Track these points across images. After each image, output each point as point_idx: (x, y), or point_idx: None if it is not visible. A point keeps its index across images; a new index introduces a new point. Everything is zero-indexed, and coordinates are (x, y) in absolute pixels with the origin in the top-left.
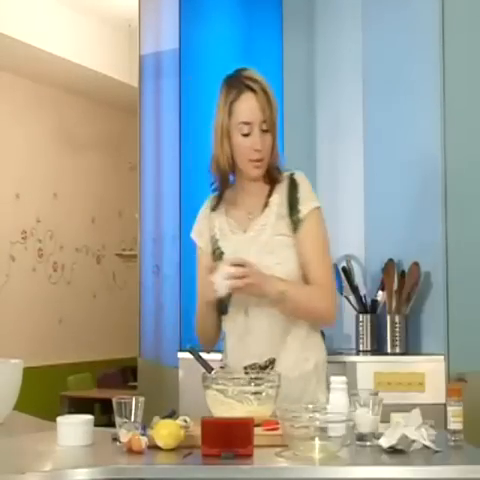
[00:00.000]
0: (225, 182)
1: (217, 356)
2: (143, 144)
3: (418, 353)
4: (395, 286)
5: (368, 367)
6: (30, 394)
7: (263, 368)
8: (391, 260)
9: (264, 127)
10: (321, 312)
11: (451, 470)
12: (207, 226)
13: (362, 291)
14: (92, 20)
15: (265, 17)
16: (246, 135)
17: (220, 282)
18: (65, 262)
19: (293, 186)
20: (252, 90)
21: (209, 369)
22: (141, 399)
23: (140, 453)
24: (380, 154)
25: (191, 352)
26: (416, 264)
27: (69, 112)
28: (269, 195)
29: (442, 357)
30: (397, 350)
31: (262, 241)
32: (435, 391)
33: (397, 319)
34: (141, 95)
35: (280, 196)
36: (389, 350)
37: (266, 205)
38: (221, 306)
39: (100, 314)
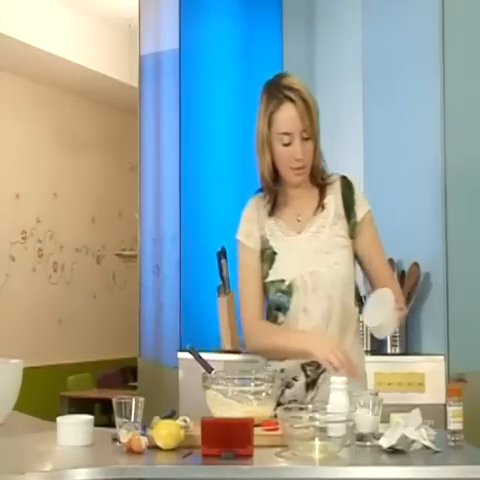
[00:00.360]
0: (271, 189)
1: (217, 356)
2: (143, 144)
3: (418, 353)
4: None
5: (368, 367)
6: (30, 394)
7: (319, 366)
8: (391, 260)
9: (305, 135)
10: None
11: (451, 470)
12: (256, 226)
13: (362, 291)
14: (92, 20)
15: (265, 17)
16: (287, 145)
17: (388, 322)
18: (65, 262)
19: (348, 187)
20: (291, 100)
21: (209, 369)
22: (141, 399)
23: (140, 453)
24: (380, 154)
25: (191, 352)
26: (416, 264)
27: (69, 112)
28: (322, 197)
29: (442, 357)
30: (397, 350)
31: (320, 241)
32: (435, 391)
33: None
34: (141, 95)
35: (335, 197)
36: (389, 350)
37: (321, 206)
38: (279, 307)
39: (100, 314)
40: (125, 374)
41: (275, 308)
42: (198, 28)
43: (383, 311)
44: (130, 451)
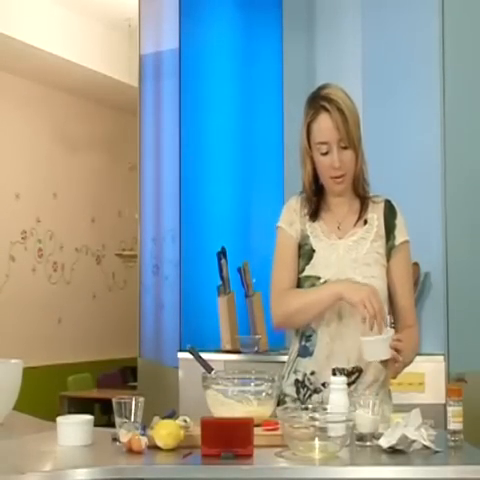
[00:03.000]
0: (311, 199)
1: (217, 356)
2: (143, 144)
3: (418, 353)
4: None
5: None
6: (30, 394)
7: (349, 374)
8: None
9: (342, 144)
10: (415, 356)
11: (451, 470)
12: (298, 220)
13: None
14: (92, 20)
15: (265, 17)
16: (325, 154)
17: (380, 344)
18: (65, 262)
19: (391, 211)
20: (326, 110)
21: (209, 369)
22: (141, 399)
23: (140, 453)
24: (380, 154)
25: (191, 352)
26: (416, 264)
27: (69, 112)
28: (363, 210)
29: (442, 357)
30: None
31: (360, 253)
32: (435, 391)
33: None
34: (141, 95)
35: (378, 216)
36: None
37: (363, 221)
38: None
39: (100, 314)
40: (125, 374)
41: None
42: (198, 28)
43: (381, 337)
44: (130, 451)
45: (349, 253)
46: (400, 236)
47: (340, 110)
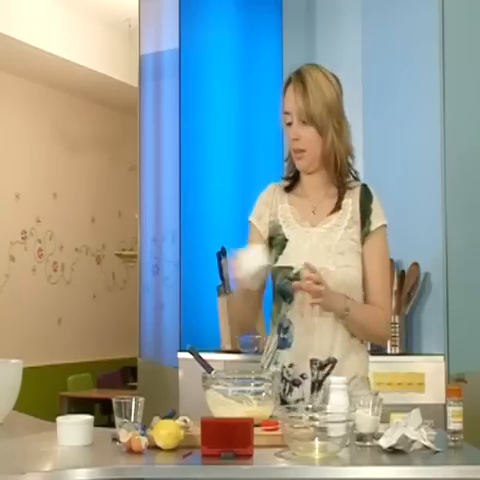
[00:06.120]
0: (291, 173)
1: (217, 356)
2: (143, 144)
3: (418, 353)
4: (395, 286)
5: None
6: (30, 394)
7: (323, 366)
8: (391, 260)
9: (302, 118)
10: (379, 335)
11: (451, 470)
12: (268, 211)
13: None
14: (92, 20)
15: (265, 17)
16: (288, 124)
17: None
18: (65, 262)
19: (367, 195)
20: (292, 81)
21: (209, 369)
22: (141, 399)
23: (140, 453)
24: (380, 154)
25: (191, 352)
26: (416, 264)
27: (69, 112)
28: (340, 198)
29: (442, 357)
30: (397, 350)
31: (333, 241)
32: (435, 391)
33: (397, 319)
34: (141, 95)
35: (353, 201)
36: (389, 350)
37: (338, 207)
38: (283, 294)
39: (100, 314)
40: (125, 374)
41: (280, 294)
42: (198, 28)
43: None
44: (130, 451)
45: (322, 242)
46: (376, 221)
47: (303, 83)
